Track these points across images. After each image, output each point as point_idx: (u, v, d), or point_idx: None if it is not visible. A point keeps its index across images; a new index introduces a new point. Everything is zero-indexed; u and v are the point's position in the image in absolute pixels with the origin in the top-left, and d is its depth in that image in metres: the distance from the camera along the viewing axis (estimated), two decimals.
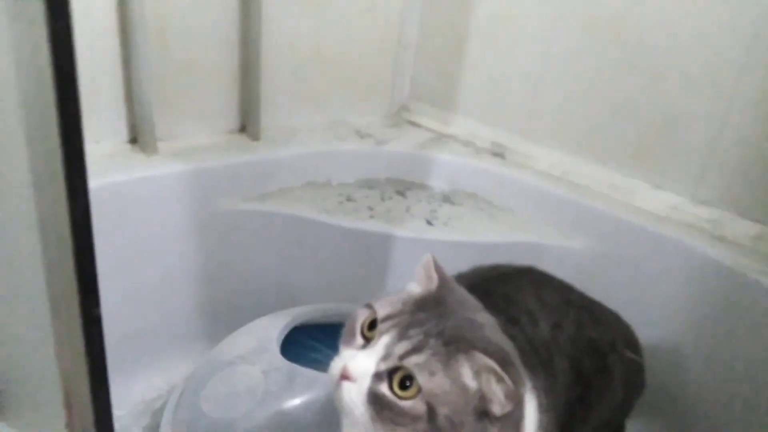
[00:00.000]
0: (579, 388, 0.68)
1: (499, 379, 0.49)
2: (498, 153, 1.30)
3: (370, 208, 1.16)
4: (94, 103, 0.98)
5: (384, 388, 0.50)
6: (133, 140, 1.04)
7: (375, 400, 0.50)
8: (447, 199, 1.25)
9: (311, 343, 0.93)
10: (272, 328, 0.89)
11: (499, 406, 0.50)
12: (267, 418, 0.78)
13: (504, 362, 0.50)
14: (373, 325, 0.54)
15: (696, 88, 1.02)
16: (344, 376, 0.52)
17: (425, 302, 0.54)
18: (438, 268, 0.57)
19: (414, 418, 0.49)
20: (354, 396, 0.51)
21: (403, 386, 0.50)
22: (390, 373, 0.50)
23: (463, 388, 0.50)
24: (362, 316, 0.55)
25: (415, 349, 0.50)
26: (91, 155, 1.07)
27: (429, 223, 1.14)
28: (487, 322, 0.56)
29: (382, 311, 0.53)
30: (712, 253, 0.96)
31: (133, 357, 1.03)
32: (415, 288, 0.57)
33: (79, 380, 0.41)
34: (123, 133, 1.03)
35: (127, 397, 1.01)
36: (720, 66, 0.98)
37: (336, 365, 0.54)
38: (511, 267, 0.78)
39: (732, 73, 0.97)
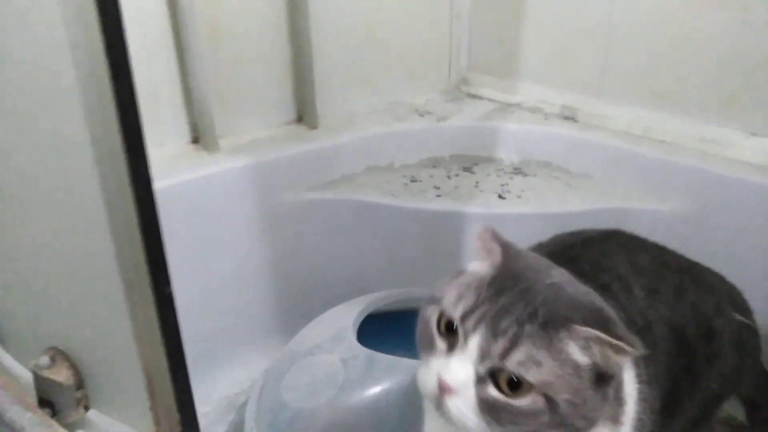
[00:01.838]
0: (683, 357, 0.60)
1: (609, 345, 0.44)
2: (569, 116, 1.22)
3: (437, 188, 1.12)
4: (154, 107, 0.99)
5: (493, 391, 0.45)
6: (195, 140, 1.05)
7: (488, 407, 0.45)
8: (518, 170, 1.19)
9: (387, 330, 0.91)
10: (347, 316, 0.87)
11: (616, 366, 0.45)
12: (348, 406, 0.76)
13: (605, 323, 0.45)
14: (450, 324, 0.47)
15: None
16: (443, 389, 0.46)
17: (500, 282, 0.47)
18: (496, 236, 0.50)
19: (535, 414, 0.44)
20: (463, 409, 0.45)
21: (512, 385, 0.44)
22: (493, 374, 0.45)
23: (576, 366, 0.45)
24: (433, 316, 0.49)
25: (513, 344, 0.44)
26: (155, 158, 1.07)
27: (501, 197, 1.08)
28: (565, 279, 0.50)
29: (457, 308, 0.47)
30: None
31: (214, 355, 1.05)
32: (479, 267, 0.50)
33: (157, 362, 0.40)
34: (185, 134, 1.04)
35: (212, 394, 1.03)
36: None
37: (427, 378, 0.47)
38: (595, 231, 0.71)
39: None
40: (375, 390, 0.77)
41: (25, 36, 0.40)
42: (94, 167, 0.38)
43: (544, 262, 0.52)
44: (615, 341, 0.44)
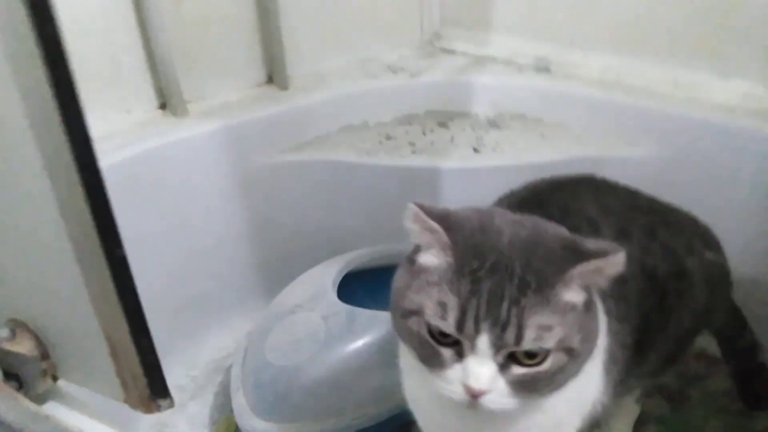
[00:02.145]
0: (655, 295, 0.62)
1: (597, 269, 0.44)
2: (543, 67, 1.20)
3: (412, 144, 1.11)
4: (116, 72, 0.96)
5: (518, 369, 0.44)
6: (163, 105, 1.02)
7: (519, 385, 0.44)
8: (493, 123, 1.18)
9: (368, 286, 0.92)
10: (326, 274, 0.88)
11: (606, 280, 0.46)
12: (331, 361, 0.78)
13: (584, 252, 0.45)
14: (444, 333, 0.45)
15: None
16: (475, 395, 0.44)
17: (467, 267, 0.44)
18: (431, 213, 0.46)
19: (561, 367, 0.45)
20: (500, 399, 0.45)
21: (531, 354, 0.44)
22: (512, 355, 0.44)
23: (574, 306, 0.45)
24: (422, 330, 0.45)
25: (521, 326, 0.43)
26: (122, 124, 1.05)
27: (476, 150, 1.08)
28: (520, 225, 0.48)
29: (447, 319, 0.44)
30: None
31: (199, 320, 1.05)
32: (432, 258, 0.46)
33: (118, 326, 0.39)
34: (152, 99, 1.01)
35: (199, 358, 1.03)
36: None
37: (451, 388, 0.45)
38: (567, 176, 0.71)
39: None
40: (357, 344, 0.78)
41: None
42: (28, 130, 0.36)
43: (487, 216, 0.49)
44: (602, 262, 0.44)
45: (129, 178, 0.91)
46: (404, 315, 0.47)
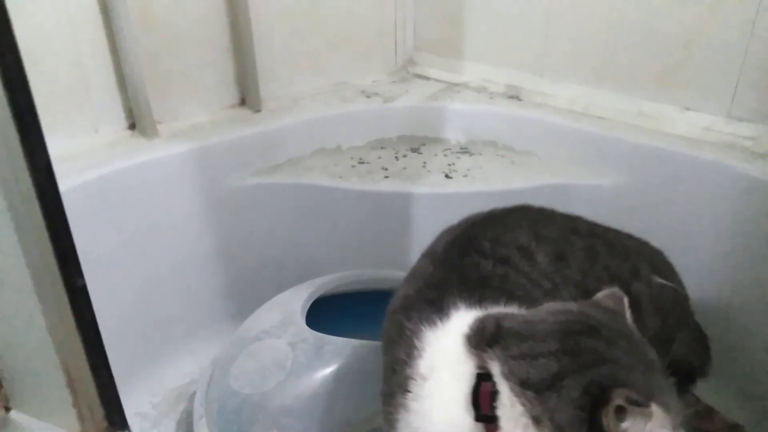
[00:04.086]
0: None
1: None
2: (513, 95, 1.23)
3: (385, 169, 1.11)
4: (85, 92, 0.95)
5: None
6: (132, 126, 1.01)
7: None
8: (465, 150, 1.19)
9: (339, 312, 0.91)
10: (295, 300, 0.87)
11: None
12: (298, 389, 0.76)
13: None
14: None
15: None
16: None
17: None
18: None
19: None
20: None
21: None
22: None
23: None
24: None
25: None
26: (90, 145, 1.03)
27: (447, 176, 1.09)
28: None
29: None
30: (752, 170, 0.89)
31: (163, 345, 1.03)
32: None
33: (76, 357, 0.38)
34: (121, 119, 1.00)
35: (161, 384, 1.01)
36: None
37: None
38: (501, 209, 0.71)
39: None
40: (324, 372, 0.77)
41: None
42: None
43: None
44: None
45: (96, 198, 0.89)
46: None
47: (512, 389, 0.45)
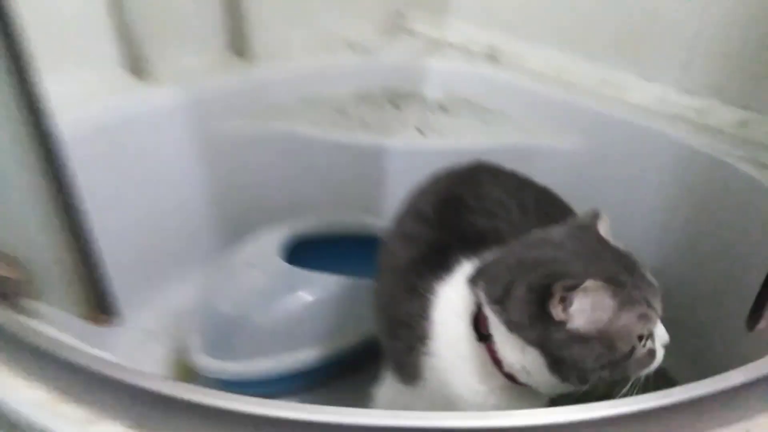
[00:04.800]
0: None
1: None
2: (492, 56, 1.29)
3: (363, 121, 1.19)
4: (88, 34, 1.02)
5: None
6: (128, 67, 1.08)
7: None
8: (441, 107, 1.27)
9: (318, 253, 1.02)
10: (273, 236, 0.98)
11: None
12: (274, 313, 0.89)
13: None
14: None
15: None
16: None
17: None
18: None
19: None
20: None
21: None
22: None
23: None
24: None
25: None
26: (88, 84, 1.11)
27: (421, 132, 1.17)
28: None
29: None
30: (694, 142, 0.97)
31: (159, 275, 1.13)
32: None
33: (76, 256, 0.48)
34: (118, 61, 1.07)
35: (159, 310, 1.11)
36: None
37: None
38: (460, 166, 0.79)
39: None
40: (294, 298, 0.89)
41: None
42: None
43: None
44: None
45: (93, 135, 0.97)
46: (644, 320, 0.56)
47: (490, 307, 0.56)
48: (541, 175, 1.10)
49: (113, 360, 0.46)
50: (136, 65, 1.06)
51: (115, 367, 0.44)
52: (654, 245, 1.04)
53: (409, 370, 0.64)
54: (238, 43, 1.18)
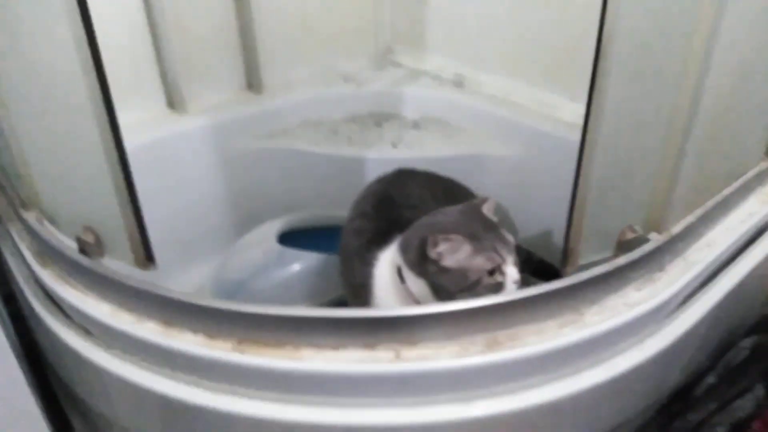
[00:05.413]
0: None
1: None
2: (458, 83, 1.58)
3: (350, 138, 1.50)
4: (136, 78, 1.37)
5: None
6: (170, 104, 1.43)
7: None
8: (416, 125, 1.57)
9: (305, 238, 1.33)
10: (272, 226, 1.30)
11: None
12: (269, 282, 1.20)
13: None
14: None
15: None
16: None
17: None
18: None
19: None
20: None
21: None
22: None
23: None
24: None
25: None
26: (138, 119, 1.50)
27: (394, 145, 1.47)
28: None
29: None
30: None
31: (187, 257, 1.46)
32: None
33: (130, 220, 0.78)
34: (162, 100, 1.42)
35: (187, 282, 1.43)
36: None
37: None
38: (390, 172, 1.11)
39: None
40: (285, 272, 1.20)
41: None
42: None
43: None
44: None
45: (145, 150, 1.31)
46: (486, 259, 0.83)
47: (402, 257, 0.86)
48: (490, 177, 1.41)
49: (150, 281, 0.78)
50: (174, 102, 1.41)
51: (153, 285, 0.75)
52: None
53: (360, 304, 0.95)
54: (252, 80, 1.52)
